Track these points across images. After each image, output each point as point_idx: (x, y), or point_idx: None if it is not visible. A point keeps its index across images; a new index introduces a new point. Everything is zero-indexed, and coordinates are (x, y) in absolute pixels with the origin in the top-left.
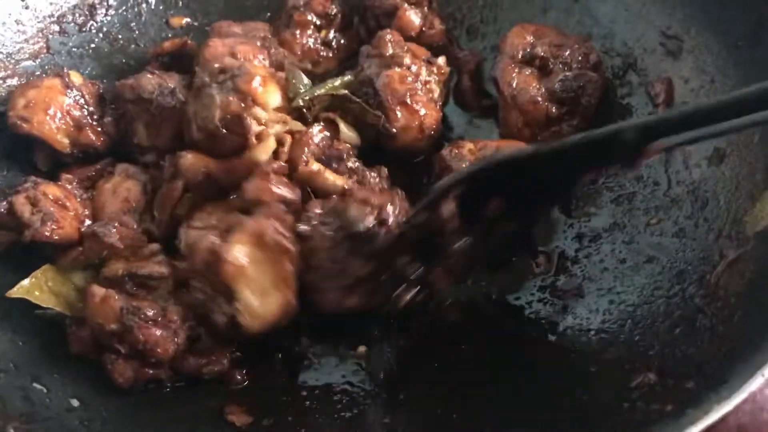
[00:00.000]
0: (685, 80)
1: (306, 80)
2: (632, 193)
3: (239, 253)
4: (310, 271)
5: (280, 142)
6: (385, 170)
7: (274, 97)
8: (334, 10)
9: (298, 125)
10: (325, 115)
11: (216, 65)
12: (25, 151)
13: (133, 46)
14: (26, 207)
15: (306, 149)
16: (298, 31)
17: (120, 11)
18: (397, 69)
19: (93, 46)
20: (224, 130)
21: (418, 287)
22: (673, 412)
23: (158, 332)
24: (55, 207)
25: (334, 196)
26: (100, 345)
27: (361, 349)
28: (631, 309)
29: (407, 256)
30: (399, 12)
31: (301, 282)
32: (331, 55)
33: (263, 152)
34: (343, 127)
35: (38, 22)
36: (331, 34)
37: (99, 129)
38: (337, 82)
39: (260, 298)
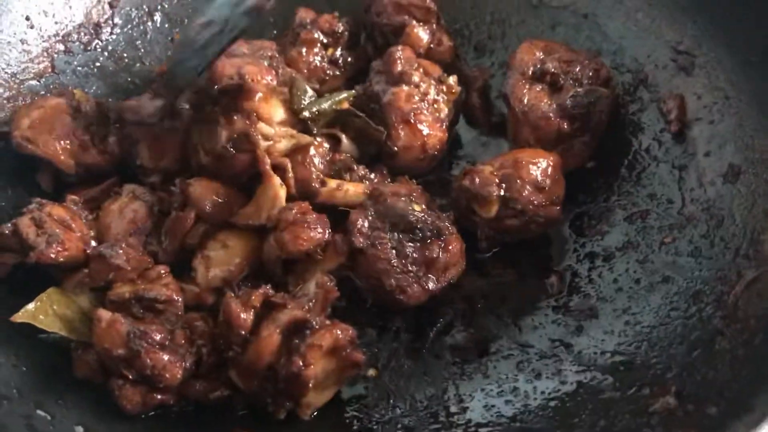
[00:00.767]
0: (698, 96)
1: (310, 91)
2: (646, 210)
3: (318, 369)
4: (383, 277)
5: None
6: (384, 168)
7: (277, 111)
8: (341, 28)
9: (305, 138)
10: (327, 130)
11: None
12: (29, 172)
13: (138, 64)
14: (31, 229)
15: (313, 169)
16: (304, 49)
17: (125, 30)
18: (405, 87)
19: (98, 64)
20: (233, 150)
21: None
22: None
23: (166, 357)
24: (61, 228)
25: (367, 200)
26: (106, 370)
27: (372, 372)
28: (647, 330)
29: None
30: (407, 29)
31: (380, 290)
32: (338, 73)
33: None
34: (345, 141)
35: (43, 41)
36: (338, 52)
37: (104, 149)
38: (343, 94)
39: (319, 393)
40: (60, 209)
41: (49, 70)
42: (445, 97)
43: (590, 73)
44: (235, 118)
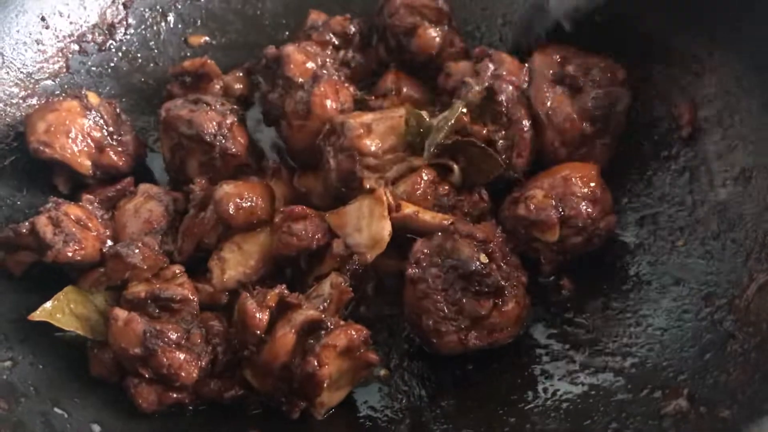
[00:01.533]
0: (709, 100)
1: (428, 120)
2: (656, 213)
3: (333, 369)
4: (424, 315)
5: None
6: (485, 194)
7: (375, 142)
8: (353, 30)
9: (417, 161)
10: (438, 160)
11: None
12: (44, 171)
13: (152, 65)
14: (48, 228)
15: (397, 193)
16: None
17: (139, 30)
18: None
19: (112, 65)
20: (344, 189)
21: None
22: None
23: (182, 356)
24: (77, 228)
25: (439, 233)
26: (122, 369)
27: (384, 372)
28: (659, 333)
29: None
30: (419, 30)
31: (417, 326)
32: (349, 74)
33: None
34: (456, 173)
35: (58, 41)
36: (350, 54)
37: (120, 149)
38: (455, 111)
39: (333, 393)
40: (76, 209)
41: (64, 70)
42: None
43: (608, 75)
44: (340, 158)
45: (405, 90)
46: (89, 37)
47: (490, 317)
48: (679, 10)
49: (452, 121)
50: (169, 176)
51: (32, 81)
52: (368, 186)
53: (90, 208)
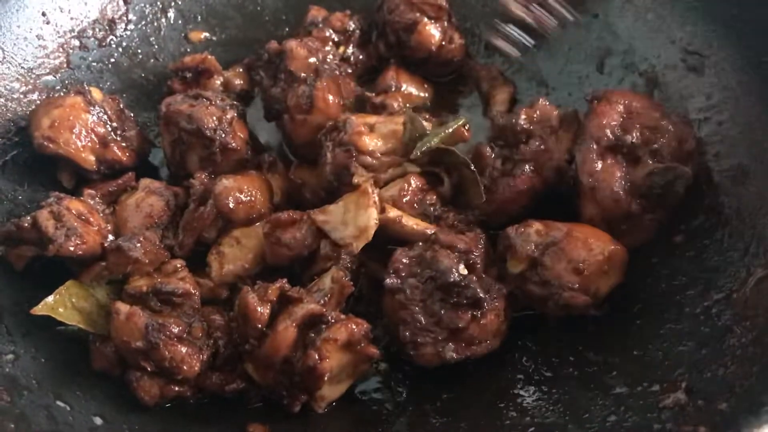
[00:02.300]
0: (707, 96)
1: (424, 126)
2: None
3: (334, 362)
4: (401, 325)
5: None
6: (472, 215)
7: (375, 142)
8: (353, 26)
9: (412, 167)
10: (431, 168)
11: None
12: (45, 166)
13: (152, 60)
14: (50, 222)
15: (384, 196)
16: None
17: (139, 26)
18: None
19: (113, 60)
20: (336, 183)
21: None
22: None
23: (184, 349)
24: (79, 222)
25: (420, 243)
26: (124, 362)
27: (384, 365)
28: (657, 326)
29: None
30: (419, 27)
31: (395, 337)
32: (349, 71)
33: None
34: (447, 185)
35: (59, 37)
36: (350, 50)
37: (124, 144)
38: (450, 128)
39: (333, 386)
40: (78, 203)
41: (65, 65)
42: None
43: (674, 144)
44: (337, 152)
45: (405, 86)
46: (90, 32)
47: (468, 329)
48: (679, 5)
49: (449, 131)
50: (169, 171)
51: (33, 76)
52: (356, 181)
53: (91, 202)
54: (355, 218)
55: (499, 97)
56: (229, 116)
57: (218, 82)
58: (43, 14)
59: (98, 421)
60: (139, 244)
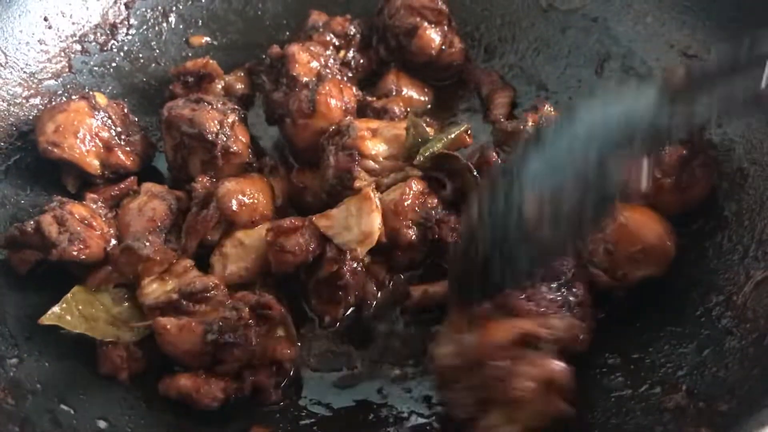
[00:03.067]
0: None
1: (427, 131)
2: None
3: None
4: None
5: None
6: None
7: (378, 147)
8: (353, 30)
9: (414, 171)
10: (434, 173)
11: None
12: (48, 170)
13: (153, 65)
14: (53, 227)
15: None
16: None
17: (141, 30)
18: None
19: (114, 65)
20: (339, 187)
21: None
22: None
23: (254, 339)
24: (82, 226)
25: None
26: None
27: (398, 371)
28: (657, 328)
29: None
30: (419, 31)
31: None
32: (350, 75)
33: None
34: (449, 189)
35: (61, 41)
36: (350, 54)
37: (128, 149)
38: (453, 134)
39: (508, 421)
40: (81, 208)
41: (67, 69)
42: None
43: None
44: (339, 156)
45: (405, 90)
46: (91, 37)
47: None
48: (678, 9)
49: (452, 136)
50: (171, 175)
51: (35, 81)
52: (357, 185)
53: (94, 207)
54: (359, 222)
55: (499, 100)
56: (230, 120)
57: (219, 87)
58: (45, 19)
59: (102, 424)
60: (148, 243)
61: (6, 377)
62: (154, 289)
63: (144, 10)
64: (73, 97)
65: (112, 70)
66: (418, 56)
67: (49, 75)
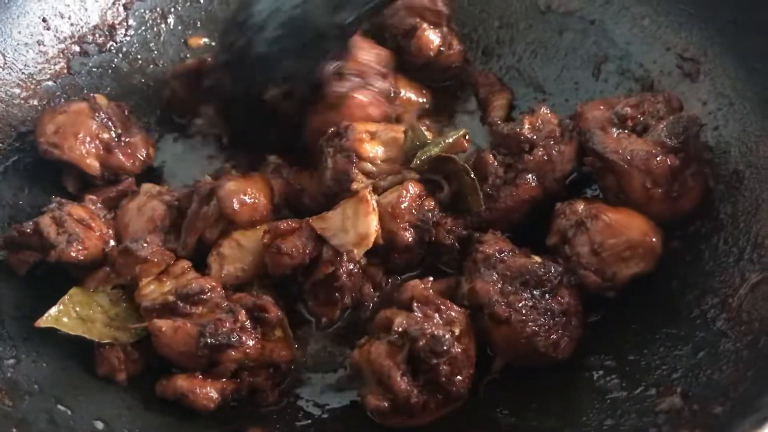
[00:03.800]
0: (703, 102)
1: (425, 134)
2: None
3: None
4: (535, 338)
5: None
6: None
7: (376, 149)
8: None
9: (411, 174)
10: (431, 175)
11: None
12: (46, 172)
13: (152, 66)
14: (52, 228)
15: (380, 201)
16: None
17: (139, 31)
18: None
19: (113, 66)
20: (336, 189)
21: None
22: None
23: (250, 342)
24: (80, 227)
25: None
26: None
27: None
28: (653, 331)
29: None
30: (418, 32)
31: (530, 354)
32: None
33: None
34: (446, 191)
35: (59, 42)
36: None
37: (128, 150)
38: (451, 138)
39: None
40: (79, 209)
41: (65, 71)
42: None
43: (663, 107)
44: (338, 158)
45: (403, 92)
46: (90, 38)
47: (571, 302)
48: (675, 12)
49: (450, 140)
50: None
51: (34, 82)
52: (354, 188)
53: (93, 208)
54: (355, 225)
55: (497, 102)
56: None
57: None
58: (44, 20)
59: (99, 425)
60: (146, 245)
61: (3, 378)
62: (151, 291)
63: (142, 11)
64: (74, 98)
65: (110, 71)
66: (417, 57)
67: (48, 76)
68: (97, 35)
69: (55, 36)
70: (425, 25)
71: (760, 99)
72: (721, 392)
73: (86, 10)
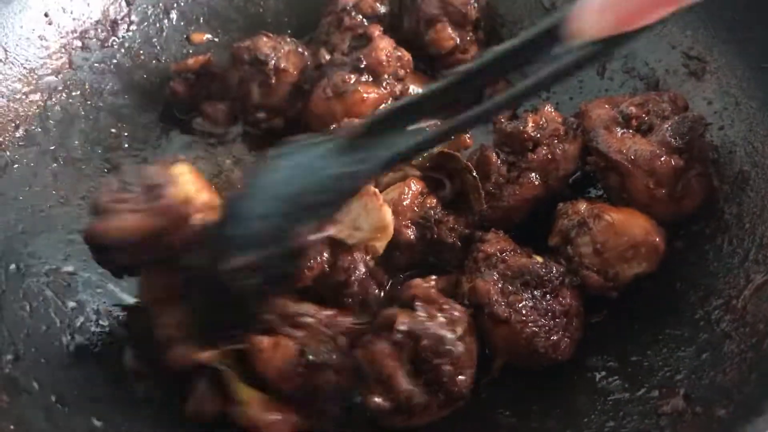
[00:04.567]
0: (708, 102)
1: None
2: None
3: None
4: (536, 339)
5: None
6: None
7: None
8: (383, 10)
9: (413, 171)
10: (432, 173)
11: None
12: (48, 170)
13: (154, 61)
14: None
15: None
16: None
17: (142, 27)
18: None
19: (115, 61)
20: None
21: None
22: None
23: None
24: None
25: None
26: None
27: None
28: (655, 332)
29: None
30: (437, 25)
31: (530, 355)
32: None
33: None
34: (448, 189)
35: (61, 37)
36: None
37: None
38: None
39: None
40: None
41: (67, 66)
42: None
43: (669, 106)
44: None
45: (411, 87)
46: (92, 33)
47: (573, 304)
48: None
49: (452, 138)
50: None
51: (35, 77)
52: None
53: None
54: (368, 220)
55: None
56: (286, 48)
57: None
58: (46, 15)
59: (97, 422)
60: None
61: (1, 374)
62: None
63: (145, 6)
64: (75, 93)
65: (112, 66)
66: (430, 47)
67: (50, 71)
68: (99, 30)
69: (57, 31)
70: (446, 20)
71: (766, 98)
72: (725, 395)
73: (88, 5)
